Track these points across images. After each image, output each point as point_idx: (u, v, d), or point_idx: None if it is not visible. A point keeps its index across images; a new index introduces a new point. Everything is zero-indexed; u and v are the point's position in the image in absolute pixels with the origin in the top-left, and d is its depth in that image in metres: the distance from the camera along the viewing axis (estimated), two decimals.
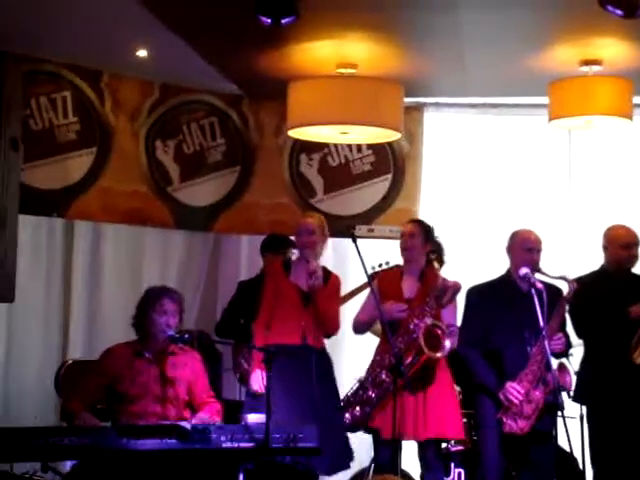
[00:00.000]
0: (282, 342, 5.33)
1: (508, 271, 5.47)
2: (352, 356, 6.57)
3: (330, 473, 5.56)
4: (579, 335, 5.72)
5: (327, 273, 5.62)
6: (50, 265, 6.66)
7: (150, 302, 4.98)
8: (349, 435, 5.51)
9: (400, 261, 5.63)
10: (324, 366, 5.53)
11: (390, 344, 5.23)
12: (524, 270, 5.25)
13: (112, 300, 6.79)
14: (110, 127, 6.78)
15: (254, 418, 4.52)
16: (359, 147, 7.19)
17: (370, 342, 5.71)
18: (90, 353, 6.29)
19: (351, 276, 6.28)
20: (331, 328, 5.57)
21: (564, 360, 5.48)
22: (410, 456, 5.51)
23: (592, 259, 6.05)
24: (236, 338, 6.32)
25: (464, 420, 5.62)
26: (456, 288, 5.36)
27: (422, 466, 5.45)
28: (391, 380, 5.19)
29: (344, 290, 5.95)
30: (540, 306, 5.07)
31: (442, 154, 7.31)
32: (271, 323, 5.54)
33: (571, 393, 5.53)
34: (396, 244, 5.60)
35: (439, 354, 5.25)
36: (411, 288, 5.48)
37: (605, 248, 5.84)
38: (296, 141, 7.02)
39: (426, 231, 5.53)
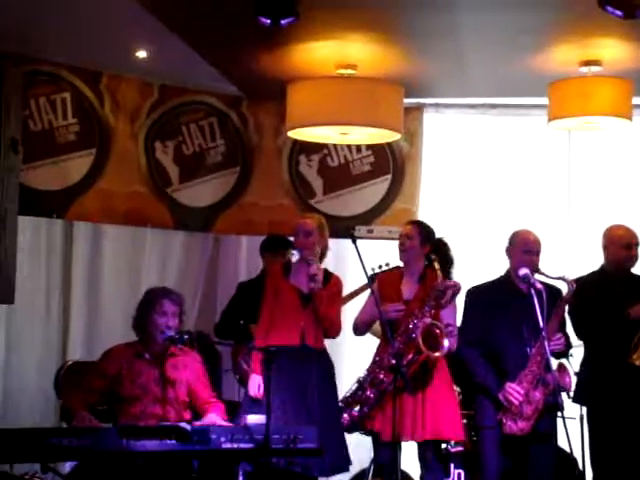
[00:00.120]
0: (281, 343, 5.30)
1: (508, 272, 5.47)
2: (352, 357, 6.55)
3: (329, 474, 5.55)
4: (579, 336, 5.72)
5: (328, 274, 5.60)
6: (50, 266, 6.65)
7: (150, 303, 4.98)
8: (347, 437, 5.49)
9: (400, 262, 5.63)
10: (325, 367, 5.52)
11: (390, 344, 5.22)
12: (523, 271, 5.24)
13: (112, 301, 6.79)
14: (110, 128, 6.78)
15: (254, 419, 4.52)
16: (359, 148, 7.19)
17: (370, 343, 5.71)
18: (90, 354, 6.29)
19: (350, 277, 6.27)
20: (332, 331, 5.54)
21: (564, 361, 5.47)
22: (410, 457, 5.51)
23: (592, 259, 6.05)
24: (236, 339, 6.32)
25: (464, 421, 5.62)
26: (456, 289, 5.36)
27: (422, 467, 5.43)
28: (389, 380, 5.18)
29: (344, 291, 5.94)
30: (540, 307, 5.07)
31: (442, 155, 7.31)
32: (271, 325, 5.53)
33: (571, 394, 5.51)
34: (396, 245, 5.59)
35: (438, 354, 5.25)
36: (410, 289, 5.46)
37: (605, 248, 5.84)
38: (296, 142, 7.02)
39: (425, 232, 5.49)
